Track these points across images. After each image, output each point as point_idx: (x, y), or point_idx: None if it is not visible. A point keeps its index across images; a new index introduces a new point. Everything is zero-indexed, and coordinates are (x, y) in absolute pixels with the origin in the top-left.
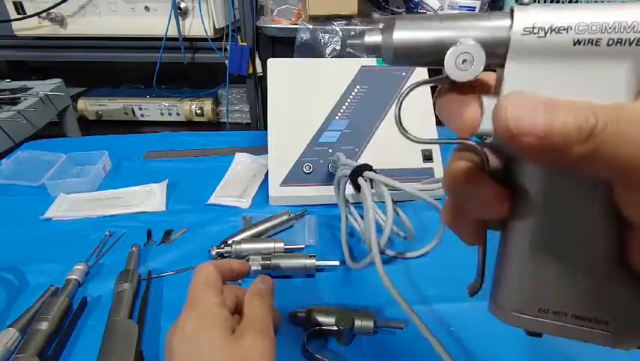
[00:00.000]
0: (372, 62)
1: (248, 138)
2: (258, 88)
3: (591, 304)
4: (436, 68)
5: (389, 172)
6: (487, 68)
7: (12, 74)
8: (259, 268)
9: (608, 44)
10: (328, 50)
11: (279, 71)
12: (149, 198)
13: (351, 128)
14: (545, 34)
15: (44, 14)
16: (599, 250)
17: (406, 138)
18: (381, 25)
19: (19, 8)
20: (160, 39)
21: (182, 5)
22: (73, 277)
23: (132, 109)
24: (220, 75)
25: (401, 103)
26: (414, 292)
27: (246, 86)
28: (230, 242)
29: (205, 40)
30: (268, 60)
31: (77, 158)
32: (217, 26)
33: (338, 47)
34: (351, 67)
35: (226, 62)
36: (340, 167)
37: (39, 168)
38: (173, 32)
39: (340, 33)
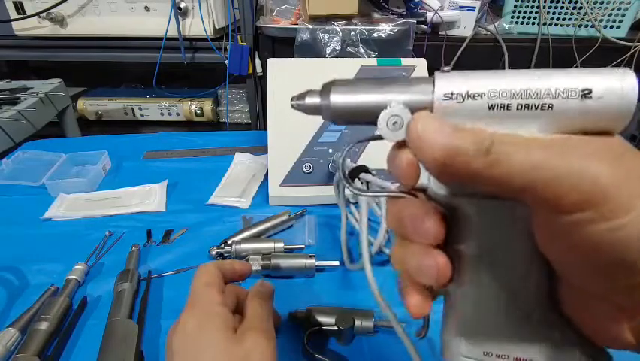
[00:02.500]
0: (372, 62)
1: (248, 138)
2: (258, 88)
3: (530, 349)
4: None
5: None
6: None
7: (12, 73)
8: (259, 268)
9: (517, 109)
10: (328, 50)
11: (279, 70)
12: (149, 198)
13: (351, 129)
14: (463, 99)
15: (44, 14)
16: (533, 302)
17: (351, 190)
18: (320, 88)
19: (19, 8)
20: (160, 39)
21: (182, 5)
22: (73, 277)
23: (132, 109)
24: (220, 75)
25: (343, 159)
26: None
27: (246, 86)
28: (230, 242)
29: (205, 40)
30: (268, 60)
31: (77, 158)
32: (217, 26)
33: (338, 47)
34: (351, 67)
35: (226, 61)
36: (340, 167)
37: (39, 168)
38: (173, 32)
39: (340, 33)
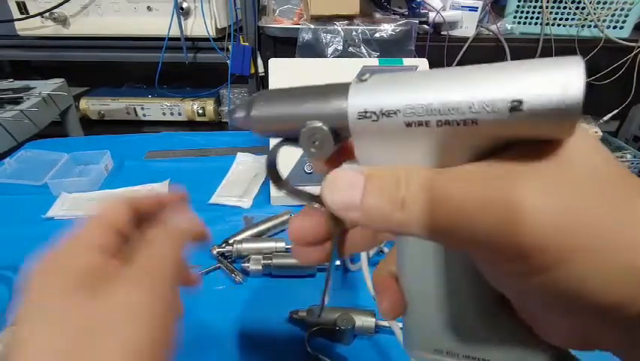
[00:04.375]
0: (374, 62)
1: (249, 138)
2: (260, 88)
3: (477, 348)
4: None
5: None
6: (345, 139)
7: (15, 73)
8: (260, 267)
9: (437, 125)
10: (330, 50)
11: (281, 71)
12: None
13: None
14: (377, 118)
15: (47, 14)
16: (475, 305)
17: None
18: (246, 102)
19: (22, 8)
20: (162, 39)
21: (185, 5)
22: None
23: (134, 109)
24: (222, 75)
25: (272, 161)
26: None
27: (248, 86)
28: (231, 242)
29: (207, 40)
30: (270, 60)
31: (79, 157)
32: (219, 26)
33: (340, 47)
34: (353, 67)
35: (228, 61)
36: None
37: (41, 168)
38: (175, 32)
39: (342, 33)
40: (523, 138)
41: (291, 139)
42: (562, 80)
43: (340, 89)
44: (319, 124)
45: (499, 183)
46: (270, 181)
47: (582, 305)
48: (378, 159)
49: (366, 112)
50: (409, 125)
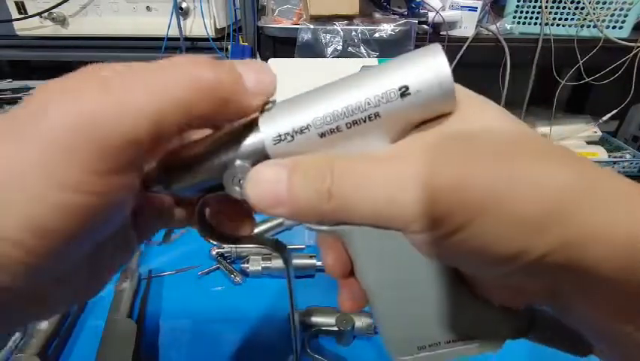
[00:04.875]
0: (373, 61)
1: None
2: None
3: (455, 331)
4: None
5: None
6: None
7: (13, 73)
8: (259, 268)
9: (347, 127)
10: (329, 50)
11: (280, 70)
12: None
13: None
14: (292, 137)
15: (46, 14)
16: (444, 292)
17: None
18: (157, 176)
19: (21, 8)
20: (161, 39)
21: (184, 5)
22: None
23: None
24: None
25: (202, 216)
26: None
27: None
28: None
29: (206, 40)
30: (269, 60)
31: None
32: (218, 26)
33: (339, 47)
34: (353, 67)
35: None
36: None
37: None
38: (174, 32)
39: (342, 33)
40: (422, 119)
41: (213, 189)
42: (433, 65)
43: (248, 125)
44: (239, 162)
45: (394, 162)
46: (202, 235)
47: (489, 259)
48: None
49: (280, 135)
50: (322, 135)
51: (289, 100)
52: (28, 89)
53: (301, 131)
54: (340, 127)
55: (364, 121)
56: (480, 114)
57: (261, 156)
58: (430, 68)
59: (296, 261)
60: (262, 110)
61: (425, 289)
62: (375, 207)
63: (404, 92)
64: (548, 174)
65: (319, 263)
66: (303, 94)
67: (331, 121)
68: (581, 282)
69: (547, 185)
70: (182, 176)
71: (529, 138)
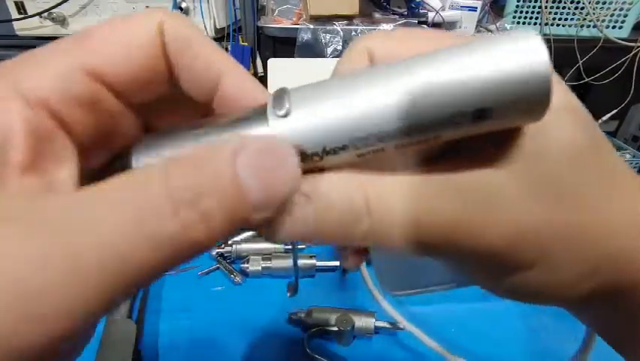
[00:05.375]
0: None
1: None
2: None
3: (443, 280)
4: None
5: None
6: None
7: None
8: (259, 268)
9: (395, 148)
10: (329, 50)
11: (280, 71)
12: None
13: None
14: (321, 158)
15: (46, 14)
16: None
17: None
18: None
19: (21, 8)
20: None
21: (183, 5)
22: None
23: None
24: None
25: None
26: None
27: None
28: (230, 242)
29: None
30: (269, 60)
31: None
32: (218, 26)
33: (339, 47)
34: None
35: None
36: None
37: None
38: None
39: (341, 33)
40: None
41: None
42: (531, 77)
43: (257, 121)
44: None
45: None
46: None
47: (546, 298)
48: None
49: (304, 154)
50: (361, 155)
51: (311, 96)
52: None
53: (335, 151)
54: (387, 148)
55: (417, 143)
56: (557, 129)
57: None
58: (525, 82)
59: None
60: (273, 102)
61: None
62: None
63: (480, 115)
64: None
65: (319, 263)
66: (334, 87)
67: (378, 143)
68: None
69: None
70: (147, 153)
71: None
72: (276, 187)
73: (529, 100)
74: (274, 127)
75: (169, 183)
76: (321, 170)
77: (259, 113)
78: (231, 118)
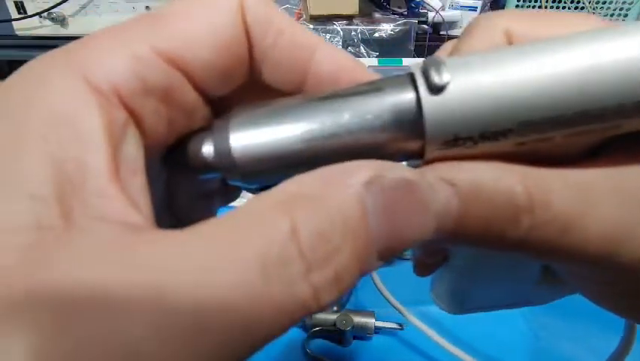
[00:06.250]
0: (373, 62)
1: None
2: None
3: (518, 300)
4: None
5: None
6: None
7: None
8: None
9: (563, 137)
10: None
11: None
12: None
13: None
14: (475, 143)
15: (45, 14)
16: (528, 277)
17: None
18: (214, 128)
19: (20, 8)
20: None
21: None
22: None
23: None
24: None
25: None
26: (415, 293)
27: None
28: None
29: None
30: None
31: None
32: None
33: (339, 47)
34: None
35: None
36: None
37: None
38: None
39: (341, 33)
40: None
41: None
42: None
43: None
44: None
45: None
46: None
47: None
48: None
49: (456, 138)
50: (521, 144)
51: (474, 68)
52: None
53: (494, 136)
54: (555, 137)
55: (592, 132)
56: None
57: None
58: None
59: None
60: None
61: (511, 272)
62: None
63: None
64: None
65: None
66: (494, 58)
67: (550, 128)
68: None
69: None
70: (250, 126)
71: None
72: (403, 235)
73: None
74: (427, 103)
75: (297, 232)
76: (463, 159)
77: (398, 86)
78: (356, 91)
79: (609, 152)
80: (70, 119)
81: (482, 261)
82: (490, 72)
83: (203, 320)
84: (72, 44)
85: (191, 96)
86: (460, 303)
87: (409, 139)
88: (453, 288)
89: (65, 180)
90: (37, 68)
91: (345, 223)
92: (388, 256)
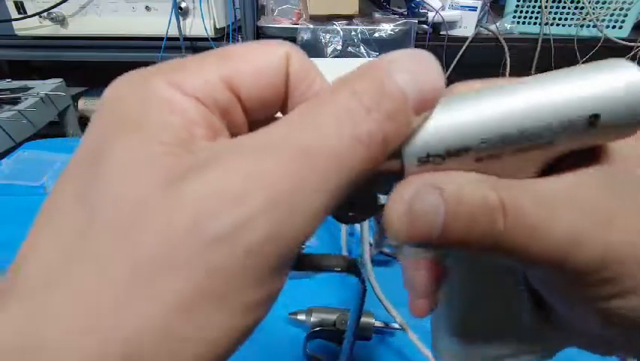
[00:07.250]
0: None
1: None
2: None
3: (521, 346)
4: None
5: None
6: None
7: (13, 73)
8: None
9: (511, 154)
10: (329, 50)
11: None
12: None
13: None
14: (443, 159)
15: (45, 14)
16: (523, 320)
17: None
18: None
19: (20, 8)
20: (161, 39)
21: (183, 5)
22: None
23: None
24: None
25: None
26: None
27: None
28: None
29: (206, 40)
30: None
31: None
32: (218, 26)
33: (339, 47)
34: (353, 66)
35: None
36: None
37: (39, 168)
38: (173, 32)
39: (341, 33)
40: (587, 147)
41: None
42: (629, 86)
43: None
44: None
45: (599, 199)
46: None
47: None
48: None
49: (428, 155)
50: (479, 160)
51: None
52: (27, 88)
53: (457, 153)
54: (504, 154)
55: (532, 149)
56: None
57: (394, 171)
58: (631, 93)
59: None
60: None
61: (506, 314)
62: (572, 247)
63: (593, 121)
64: None
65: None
66: (460, 97)
67: (500, 145)
68: None
69: None
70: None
71: None
72: (427, 85)
73: (634, 113)
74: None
75: (356, 90)
76: None
77: None
78: None
79: (563, 168)
80: (180, 108)
81: (475, 291)
82: (453, 108)
83: (321, 160)
84: (166, 63)
85: (239, 116)
86: (462, 355)
87: (392, 158)
88: (452, 335)
89: (181, 138)
90: (139, 79)
91: (380, 82)
92: (421, 107)
